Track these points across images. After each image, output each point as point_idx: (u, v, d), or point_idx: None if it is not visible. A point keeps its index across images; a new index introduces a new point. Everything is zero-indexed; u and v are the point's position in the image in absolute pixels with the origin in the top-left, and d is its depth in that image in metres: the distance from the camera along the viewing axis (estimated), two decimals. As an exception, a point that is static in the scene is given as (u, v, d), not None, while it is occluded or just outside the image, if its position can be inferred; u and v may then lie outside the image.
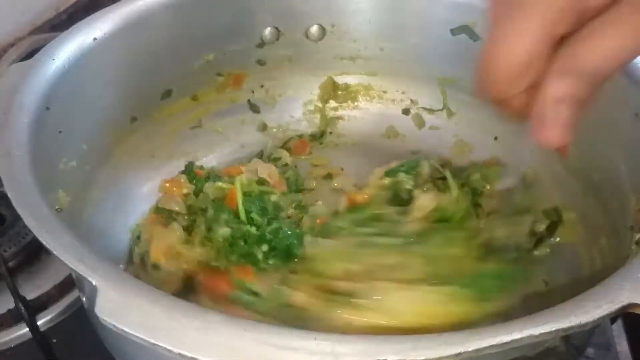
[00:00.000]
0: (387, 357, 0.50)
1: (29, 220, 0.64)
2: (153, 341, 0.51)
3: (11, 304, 0.93)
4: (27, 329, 0.91)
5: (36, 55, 0.86)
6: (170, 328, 0.52)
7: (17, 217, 1.05)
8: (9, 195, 0.66)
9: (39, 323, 0.93)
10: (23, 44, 1.03)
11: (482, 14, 1.05)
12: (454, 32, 1.08)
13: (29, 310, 0.92)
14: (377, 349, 0.50)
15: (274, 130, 1.21)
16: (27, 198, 0.67)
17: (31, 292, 0.96)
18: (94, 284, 0.56)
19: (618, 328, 0.96)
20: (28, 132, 0.76)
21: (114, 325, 0.52)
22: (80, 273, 0.58)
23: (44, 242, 0.61)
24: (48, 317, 0.95)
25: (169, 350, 0.51)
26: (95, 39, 0.91)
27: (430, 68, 1.16)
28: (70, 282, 0.98)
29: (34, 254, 1.03)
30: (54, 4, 1.33)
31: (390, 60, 1.18)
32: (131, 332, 0.52)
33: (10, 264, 1.00)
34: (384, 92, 1.22)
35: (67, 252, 0.60)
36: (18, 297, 0.92)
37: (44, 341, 0.91)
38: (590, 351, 0.92)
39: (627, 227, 0.80)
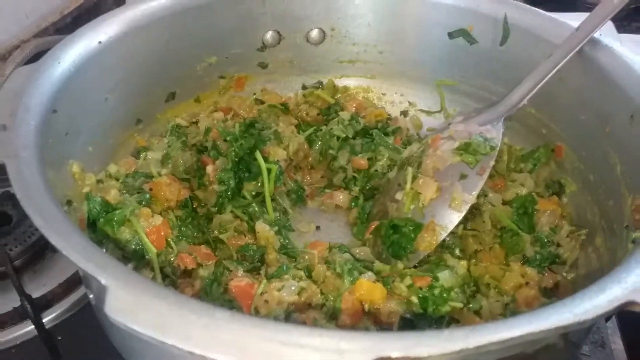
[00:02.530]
0: (390, 354, 0.50)
1: (37, 221, 0.64)
2: (163, 339, 0.52)
3: (17, 302, 0.93)
4: (32, 327, 0.92)
5: (42, 59, 0.87)
6: (179, 326, 0.52)
7: (23, 217, 1.08)
8: (17, 196, 0.66)
9: (44, 321, 0.94)
10: (28, 47, 1.03)
11: (479, 18, 1.07)
12: (451, 35, 1.10)
13: (35, 308, 0.92)
14: (381, 345, 0.51)
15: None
16: (35, 198, 0.67)
17: (36, 291, 0.97)
18: (103, 283, 0.56)
19: (613, 326, 0.97)
20: (35, 134, 0.77)
21: (124, 325, 0.53)
22: (90, 272, 0.58)
23: (53, 242, 0.61)
24: (53, 315, 0.96)
25: (179, 348, 0.51)
26: (100, 42, 0.92)
27: (428, 71, 1.18)
28: (75, 281, 0.99)
29: (40, 253, 1.04)
30: (58, 7, 1.34)
31: (389, 63, 1.20)
32: (141, 330, 0.52)
33: (16, 262, 1.01)
34: (382, 94, 1.24)
35: (76, 252, 0.60)
36: (24, 295, 0.93)
37: (49, 339, 0.92)
38: (585, 348, 0.93)
39: (623, 226, 0.81)
